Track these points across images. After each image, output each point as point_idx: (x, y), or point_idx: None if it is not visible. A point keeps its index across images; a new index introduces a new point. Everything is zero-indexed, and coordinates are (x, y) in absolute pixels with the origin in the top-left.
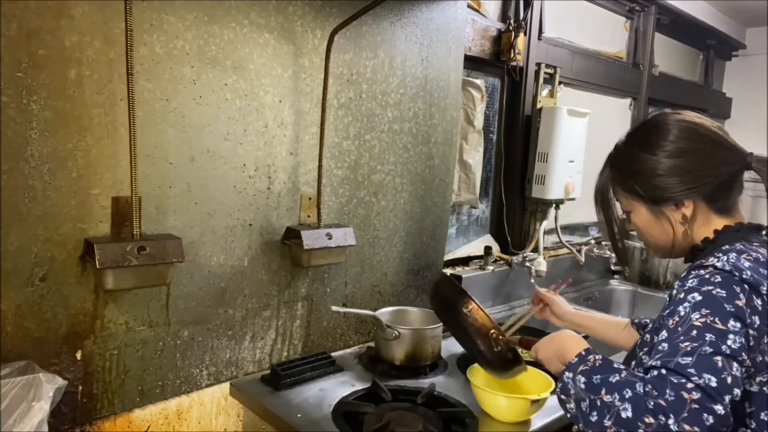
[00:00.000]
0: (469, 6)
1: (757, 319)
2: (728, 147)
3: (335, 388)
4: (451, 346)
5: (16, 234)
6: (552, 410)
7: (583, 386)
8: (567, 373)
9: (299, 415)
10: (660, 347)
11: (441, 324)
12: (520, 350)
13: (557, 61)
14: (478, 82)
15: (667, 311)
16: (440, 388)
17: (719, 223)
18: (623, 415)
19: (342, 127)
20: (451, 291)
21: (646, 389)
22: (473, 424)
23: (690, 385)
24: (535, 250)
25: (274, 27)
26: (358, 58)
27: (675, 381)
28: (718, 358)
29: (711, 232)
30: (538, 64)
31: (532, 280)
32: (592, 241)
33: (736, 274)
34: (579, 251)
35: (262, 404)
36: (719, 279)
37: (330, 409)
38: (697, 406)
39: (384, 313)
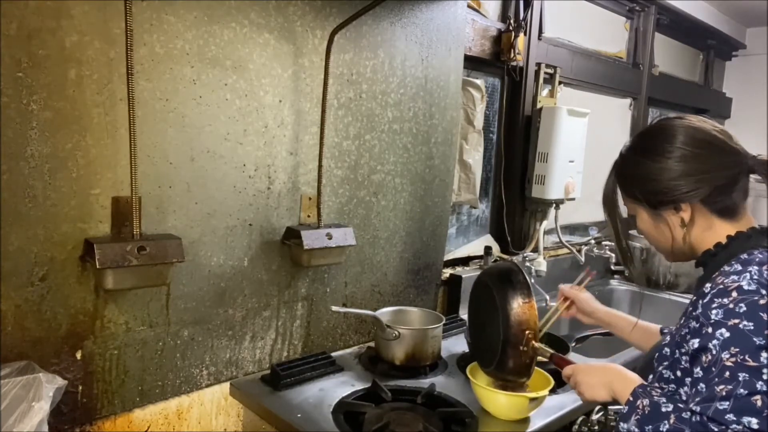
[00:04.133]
0: (469, 6)
1: None
2: (727, 150)
3: (335, 388)
4: (452, 346)
5: (16, 234)
6: (552, 410)
7: None
8: (622, 424)
9: (299, 415)
10: (699, 387)
11: (441, 324)
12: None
13: (557, 61)
14: (478, 82)
15: (696, 342)
16: (440, 388)
17: (725, 227)
18: None
19: (342, 127)
20: (518, 279)
21: None
22: (473, 423)
23: None
24: (535, 250)
25: (274, 27)
26: (358, 58)
27: (716, 430)
28: (756, 397)
29: (718, 237)
30: (538, 64)
31: (532, 280)
32: (592, 241)
33: (763, 292)
34: (579, 251)
35: (262, 404)
36: (744, 308)
37: (330, 409)
38: None
39: (384, 313)
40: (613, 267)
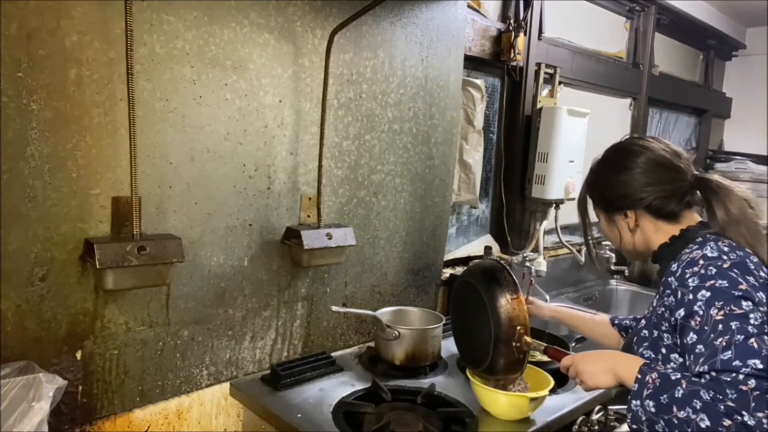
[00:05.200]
0: (469, 6)
1: (761, 295)
2: (671, 168)
3: (335, 388)
4: (451, 346)
5: (16, 234)
6: (553, 409)
7: (654, 410)
8: (634, 402)
9: (299, 415)
10: (697, 350)
11: (441, 324)
12: (539, 355)
13: (557, 61)
14: (478, 82)
15: (682, 311)
16: (440, 388)
17: (671, 228)
18: (702, 425)
19: (342, 127)
20: (504, 276)
21: (711, 395)
22: (473, 423)
23: (741, 377)
24: (535, 250)
25: (274, 27)
26: (358, 58)
27: (728, 379)
28: (752, 340)
29: (665, 236)
30: (538, 64)
31: (532, 280)
32: (592, 241)
33: (724, 257)
34: (579, 251)
35: (262, 404)
36: (714, 270)
37: (330, 409)
38: (758, 392)
39: (384, 313)
40: (612, 267)
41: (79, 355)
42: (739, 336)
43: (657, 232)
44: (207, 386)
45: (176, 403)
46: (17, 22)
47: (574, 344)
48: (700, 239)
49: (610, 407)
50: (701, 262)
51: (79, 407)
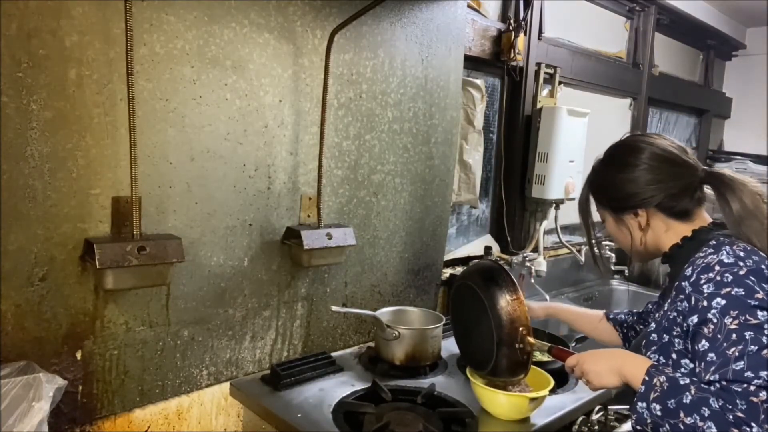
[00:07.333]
0: (469, 6)
1: None
2: (680, 164)
3: (335, 388)
4: (451, 346)
5: (16, 234)
6: (553, 409)
7: (660, 413)
8: (640, 404)
9: (299, 415)
10: (708, 358)
11: (441, 324)
12: (547, 357)
13: (557, 61)
14: (478, 82)
15: (695, 317)
16: (440, 388)
17: (682, 227)
18: None
19: (342, 127)
20: (502, 277)
21: (720, 404)
22: (473, 423)
23: (753, 389)
24: (535, 250)
25: (274, 27)
26: (358, 58)
27: (740, 390)
28: (765, 351)
29: (676, 236)
30: (538, 64)
31: (532, 280)
32: (593, 241)
33: (740, 263)
34: (579, 251)
35: (262, 404)
36: (731, 277)
37: (330, 409)
38: None
39: (384, 313)
40: (613, 267)
41: (79, 355)
42: (752, 347)
43: (668, 232)
44: (207, 386)
45: (176, 403)
46: (17, 22)
47: (574, 344)
48: (713, 242)
49: (610, 407)
50: (717, 268)
51: (79, 407)
